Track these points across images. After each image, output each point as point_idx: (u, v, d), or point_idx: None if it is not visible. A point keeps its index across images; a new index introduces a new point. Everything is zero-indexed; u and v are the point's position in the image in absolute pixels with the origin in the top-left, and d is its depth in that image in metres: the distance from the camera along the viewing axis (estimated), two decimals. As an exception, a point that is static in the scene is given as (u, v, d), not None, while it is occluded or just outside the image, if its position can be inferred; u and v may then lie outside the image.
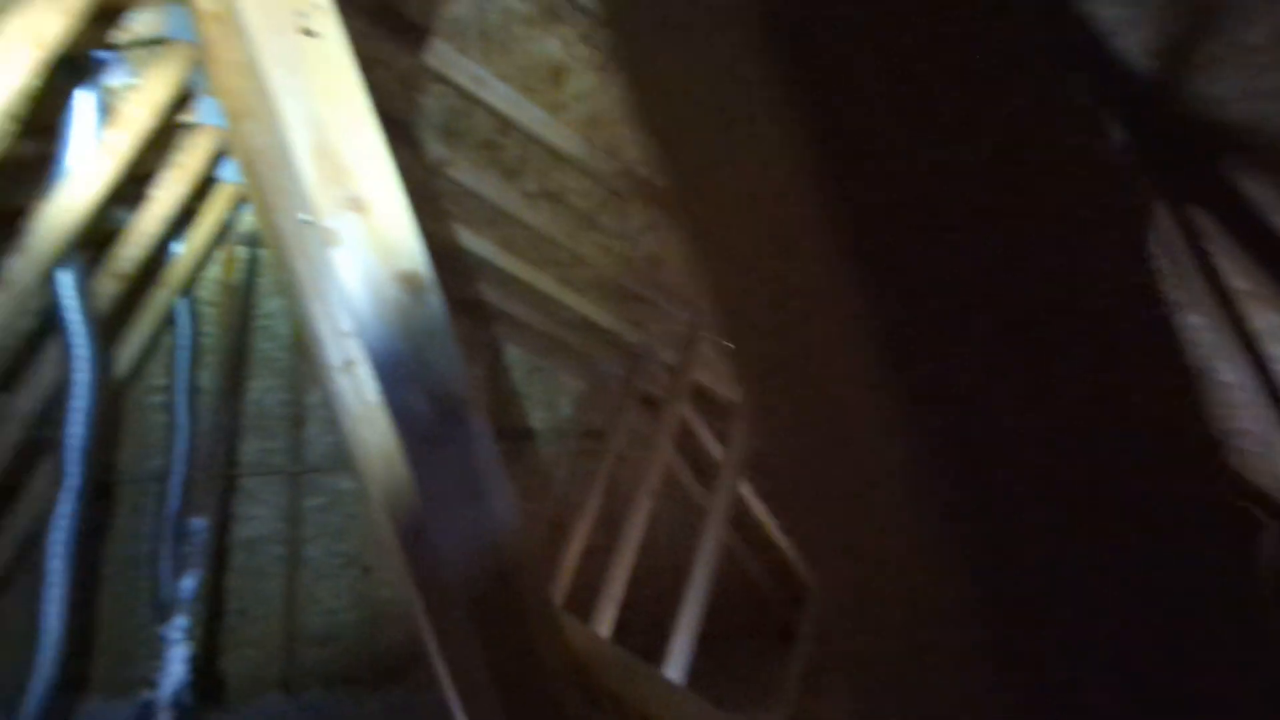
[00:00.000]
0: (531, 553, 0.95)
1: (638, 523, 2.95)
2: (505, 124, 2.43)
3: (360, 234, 0.92)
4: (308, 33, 0.92)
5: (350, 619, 4.00)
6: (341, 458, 3.97)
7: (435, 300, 0.93)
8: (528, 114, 2.28)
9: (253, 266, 3.99)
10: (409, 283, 0.92)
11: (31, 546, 3.23)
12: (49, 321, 2.86)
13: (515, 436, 4.42)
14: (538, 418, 4.60)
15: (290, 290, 3.57)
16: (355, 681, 3.85)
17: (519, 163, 2.77)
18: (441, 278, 0.95)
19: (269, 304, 4.07)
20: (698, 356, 2.98)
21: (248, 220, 3.88)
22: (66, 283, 2.64)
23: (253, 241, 3.97)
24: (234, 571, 3.73)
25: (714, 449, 3.90)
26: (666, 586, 3.46)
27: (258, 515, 3.88)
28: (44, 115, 2.34)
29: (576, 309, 3.47)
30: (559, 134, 2.32)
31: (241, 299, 3.92)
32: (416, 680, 3.85)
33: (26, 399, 2.87)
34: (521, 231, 3.07)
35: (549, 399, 4.65)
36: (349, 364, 1.73)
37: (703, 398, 3.49)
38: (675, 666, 2.67)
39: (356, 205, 0.93)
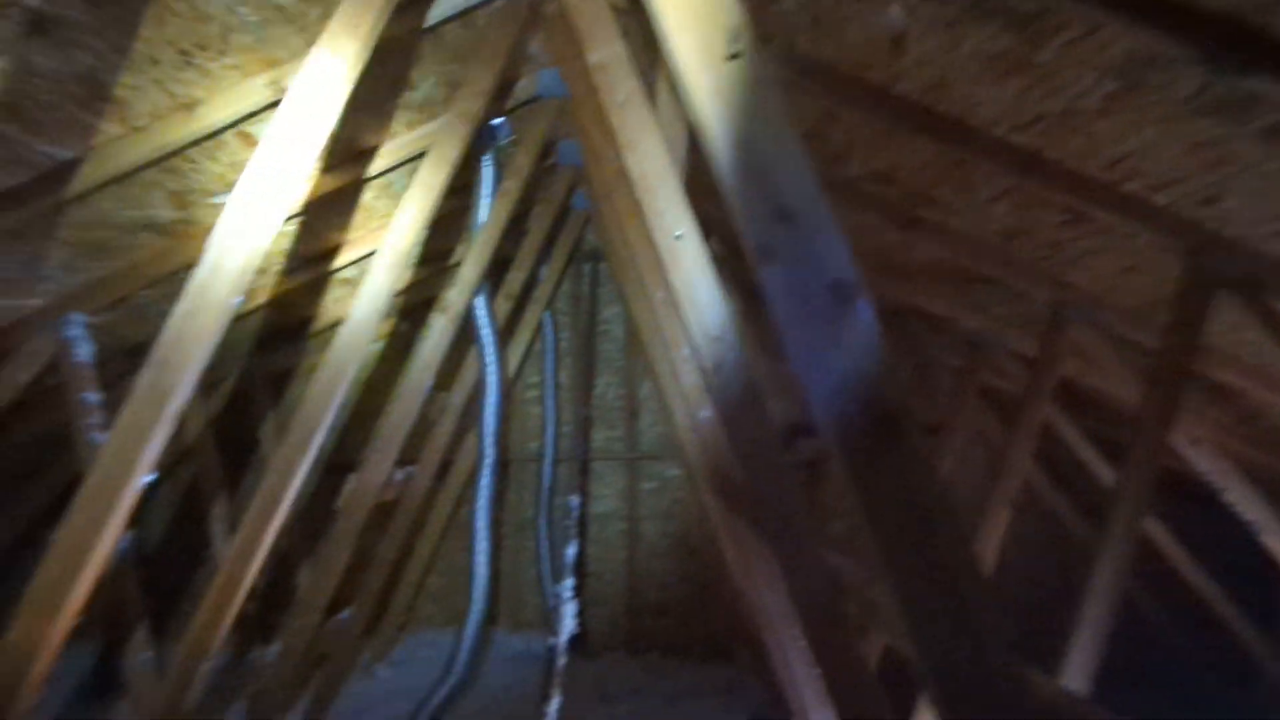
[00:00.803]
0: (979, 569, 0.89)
1: (991, 537, 2.63)
2: (830, 114, 2.36)
3: (789, 245, 0.95)
4: (734, 56, 0.98)
5: (680, 594, 4.38)
6: (669, 446, 4.37)
7: (866, 308, 0.93)
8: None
9: (595, 279, 4.63)
10: (838, 292, 0.93)
11: (459, 509, 4.27)
12: (467, 334, 3.72)
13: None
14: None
15: (625, 298, 4.08)
16: (687, 653, 4.21)
17: (844, 147, 2.67)
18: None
19: (608, 311, 4.67)
20: (1067, 346, 2.53)
21: (590, 240, 4.55)
22: (480, 304, 3.37)
23: (594, 257, 4.62)
24: (591, 541, 4.37)
25: (1088, 459, 3.28)
26: (1023, 614, 3.03)
27: (605, 494, 4.49)
28: (460, 177, 3.00)
29: (904, 299, 3.24)
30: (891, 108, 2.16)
31: (587, 308, 4.57)
32: (742, 661, 4.04)
33: (457, 396, 3.76)
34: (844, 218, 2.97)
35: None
36: (717, 367, 1.88)
37: (1075, 397, 2.96)
38: None
39: (783, 216, 0.97)
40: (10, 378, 3.07)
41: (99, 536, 1.57)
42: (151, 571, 3.56)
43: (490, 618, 3.85)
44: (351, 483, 2.94)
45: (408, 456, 3.29)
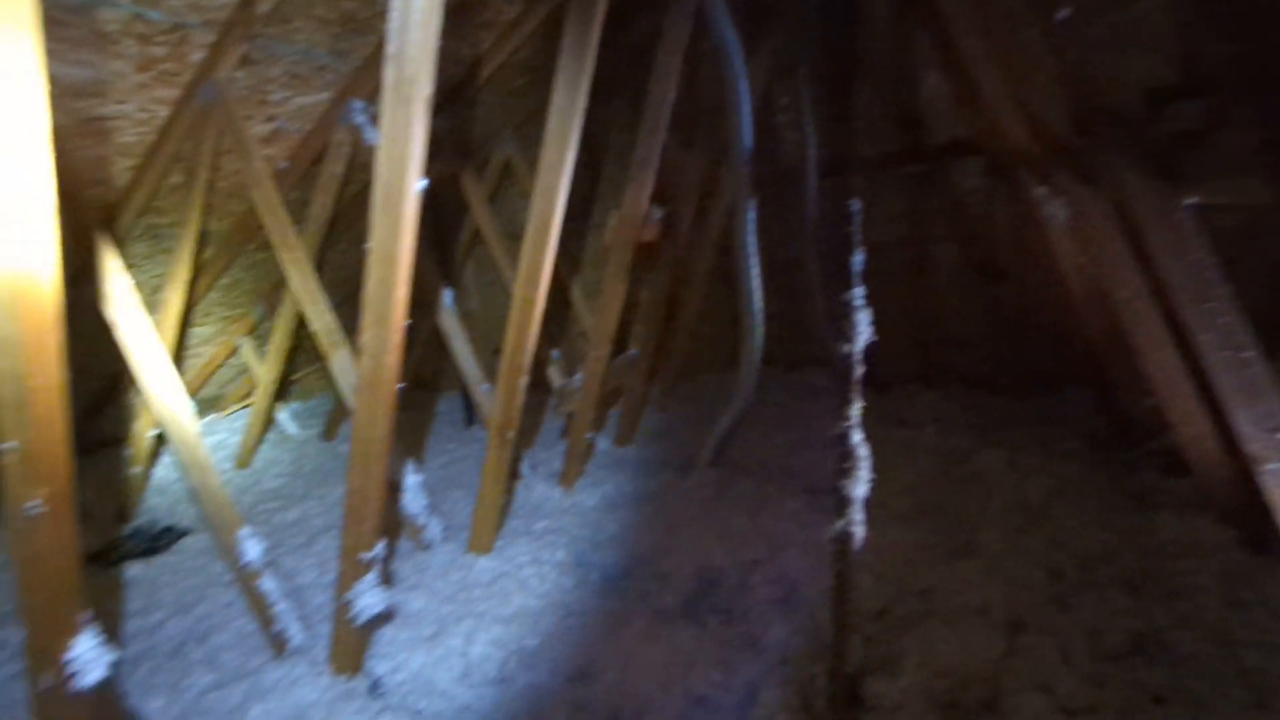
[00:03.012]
0: None
1: None
2: None
3: None
4: None
5: (984, 325, 3.80)
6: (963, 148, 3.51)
7: None
8: None
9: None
10: None
11: (723, 255, 4.10)
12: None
13: None
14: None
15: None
16: (993, 386, 3.73)
17: None
18: None
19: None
20: None
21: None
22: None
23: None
24: (869, 275, 3.92)
25: None
26: None
27: (882, 218, 3.91)
28: None
29: None
30: None
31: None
32: (1066, 395, 3.45)
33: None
34: None
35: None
36: None
37: None
38: None
39: None
40: (329, 172, 3.52)
41: (400, 241, 1.64)
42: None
43: (766, 359, 3.80)
44: (613, 219, 2.89)
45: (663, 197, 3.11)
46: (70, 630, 1.15)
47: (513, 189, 4.84)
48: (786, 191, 4.01)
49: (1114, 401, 2.89)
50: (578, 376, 3.17)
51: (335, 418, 4.88)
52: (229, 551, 2.16)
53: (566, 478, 3.30)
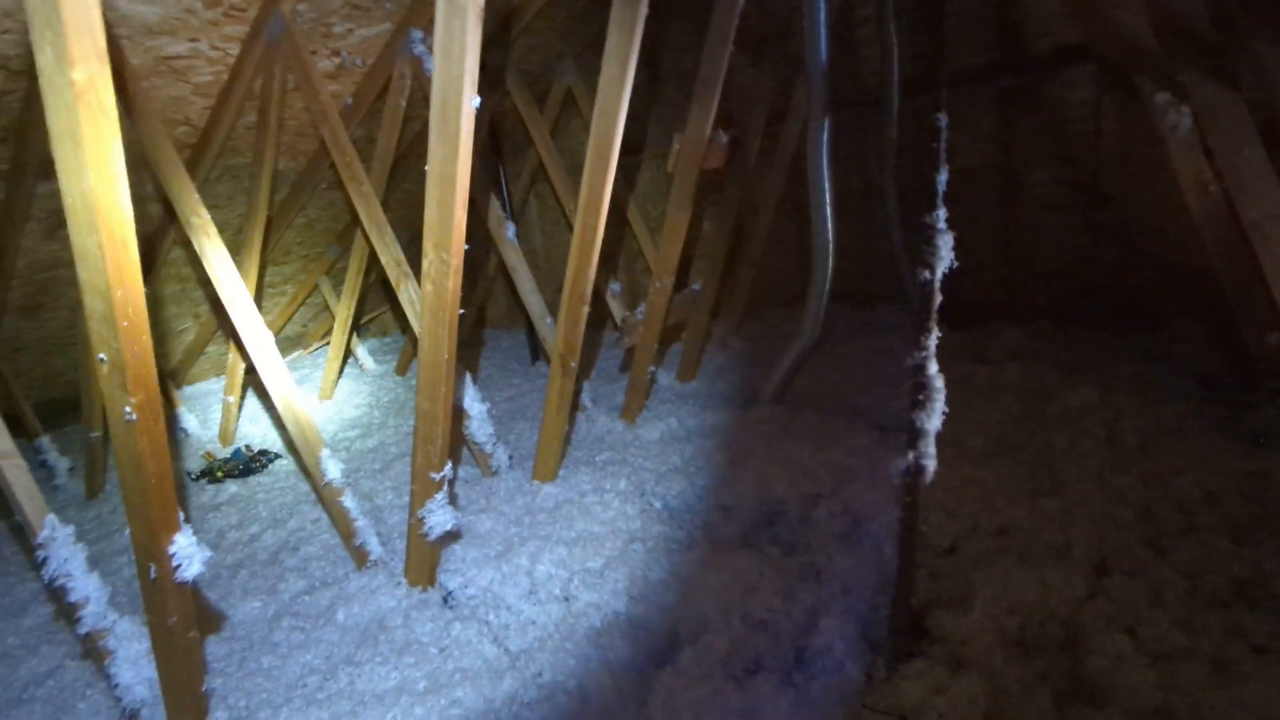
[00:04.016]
0: None
1: None
2: None
3: None
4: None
5: (1081, 254, 3.48)
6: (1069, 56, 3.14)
7: None
8: None
9: None
10: None
11: (793, 187, 3.90)
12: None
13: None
14: None
15: None
16: (1084, 320, 3.45)
17: None
18: None
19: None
20: None
21: None
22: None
23: None
24: (951, 201, 3.65)
25: None
26: None
27: (967, 140, 3.60)
28: None
29: None
30: None
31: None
32: (1174, 330, 3.15)
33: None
34: None
35: None
36: None
37: None
38: None
39: None
40: (393, 106, 3.52)
41: (457, 161, 1.62)
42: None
43: (835, 293, 3.64)
44: (676, 143, 2.77)
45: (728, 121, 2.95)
46: (170, 527, 1.25)
47: (575, 121, 4.73)
48: (863, 113, 3.74)
49: (1232, 336, 2.61)
50: (640, 309, 3.13)
51: (407, 353, 5.08)
52: (313, 470, 2.30)
53: (629, 411, 3.31)
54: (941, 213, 2.14)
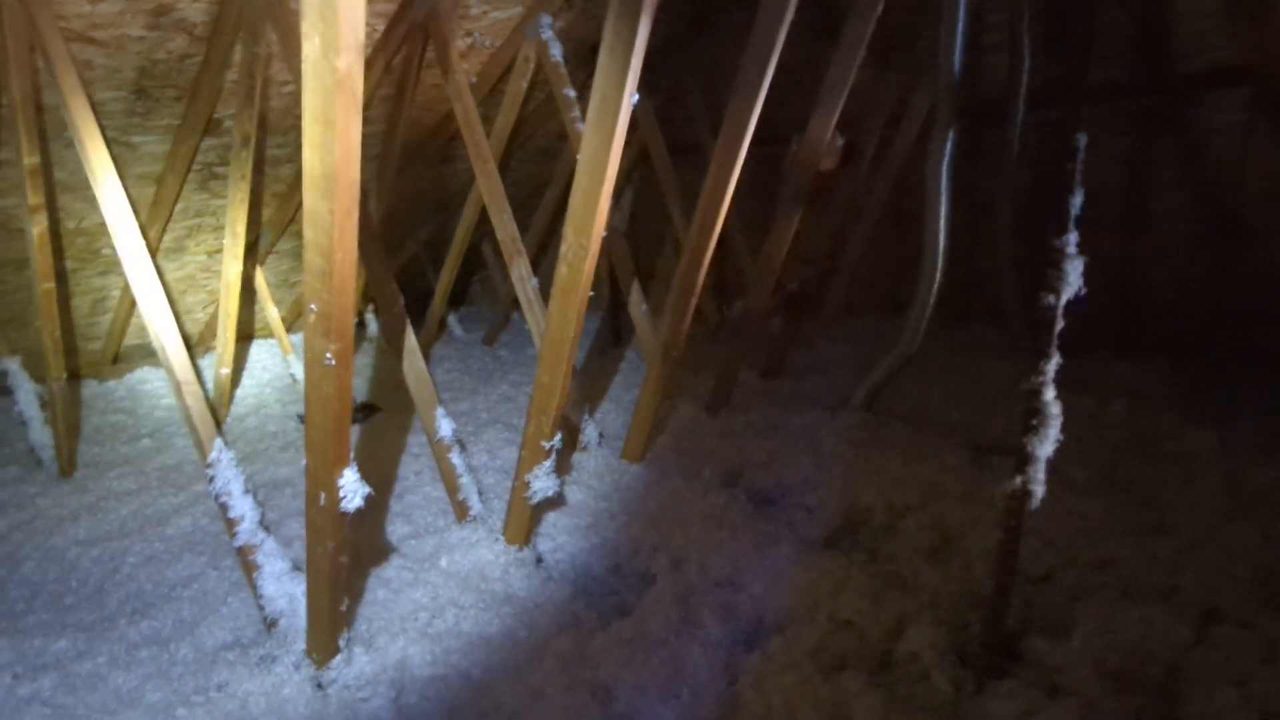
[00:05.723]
0: None
1: None
2: None
3: None
4: None
5: (1212, 289, 3.30)
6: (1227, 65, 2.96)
7: None
8: None
9: None
10: None
11: (902, 196, 3.84)
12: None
13: None
14: None
15: None
16: (1207, 362, 3.27)
17: None
18: None
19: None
20: None
21: None
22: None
23: None
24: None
25: None
26: None
27: (1097, 161, 3.44)
28: None
29: None
30: None
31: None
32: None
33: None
34: None
35: None
36: None
37: None
38: None
39: None
40: (514, 87, 3.66)
41: (609, 152, 1.70)
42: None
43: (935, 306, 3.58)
44: (795, 144, 2.79)
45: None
46: (342, 462, 1.41)
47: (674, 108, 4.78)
48: (981, 125, 3.63)
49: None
50: (736, 306, 3.17)
51: (497, 325, 5.29)
52: (428, 425, 2.47)
53: (714, 404, 3.38)
54: (1073, 237, 2.10)
